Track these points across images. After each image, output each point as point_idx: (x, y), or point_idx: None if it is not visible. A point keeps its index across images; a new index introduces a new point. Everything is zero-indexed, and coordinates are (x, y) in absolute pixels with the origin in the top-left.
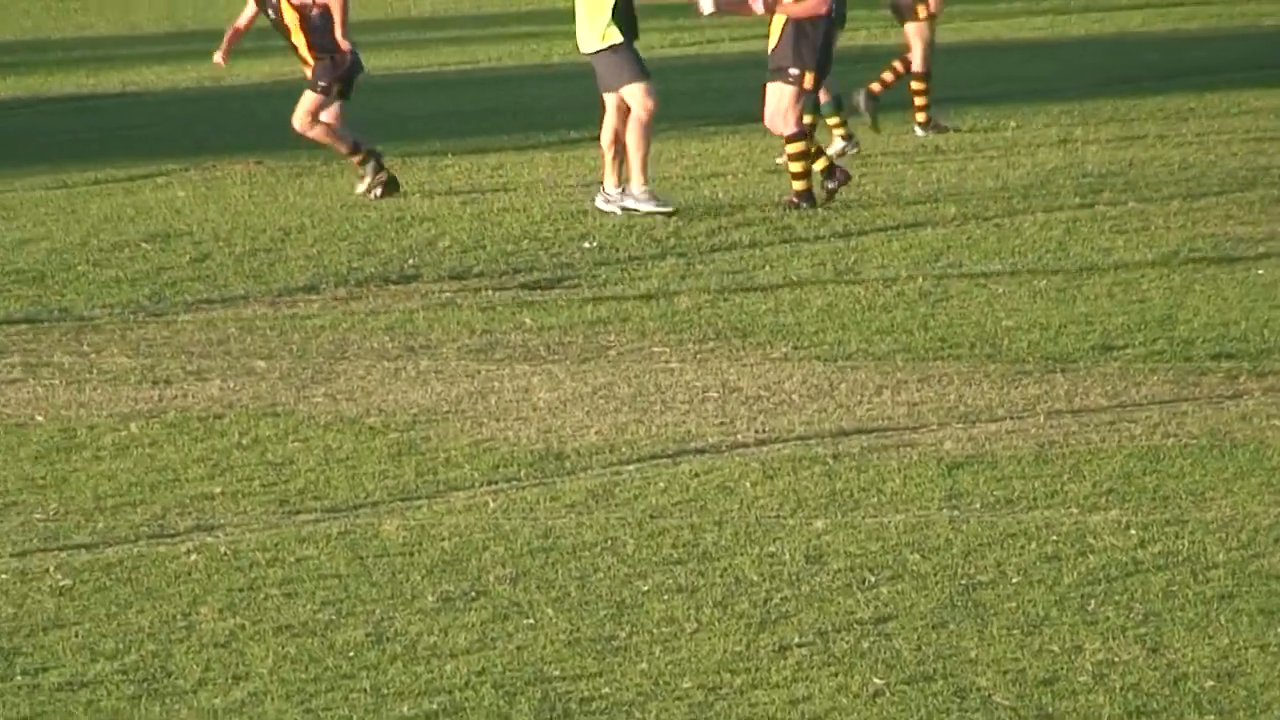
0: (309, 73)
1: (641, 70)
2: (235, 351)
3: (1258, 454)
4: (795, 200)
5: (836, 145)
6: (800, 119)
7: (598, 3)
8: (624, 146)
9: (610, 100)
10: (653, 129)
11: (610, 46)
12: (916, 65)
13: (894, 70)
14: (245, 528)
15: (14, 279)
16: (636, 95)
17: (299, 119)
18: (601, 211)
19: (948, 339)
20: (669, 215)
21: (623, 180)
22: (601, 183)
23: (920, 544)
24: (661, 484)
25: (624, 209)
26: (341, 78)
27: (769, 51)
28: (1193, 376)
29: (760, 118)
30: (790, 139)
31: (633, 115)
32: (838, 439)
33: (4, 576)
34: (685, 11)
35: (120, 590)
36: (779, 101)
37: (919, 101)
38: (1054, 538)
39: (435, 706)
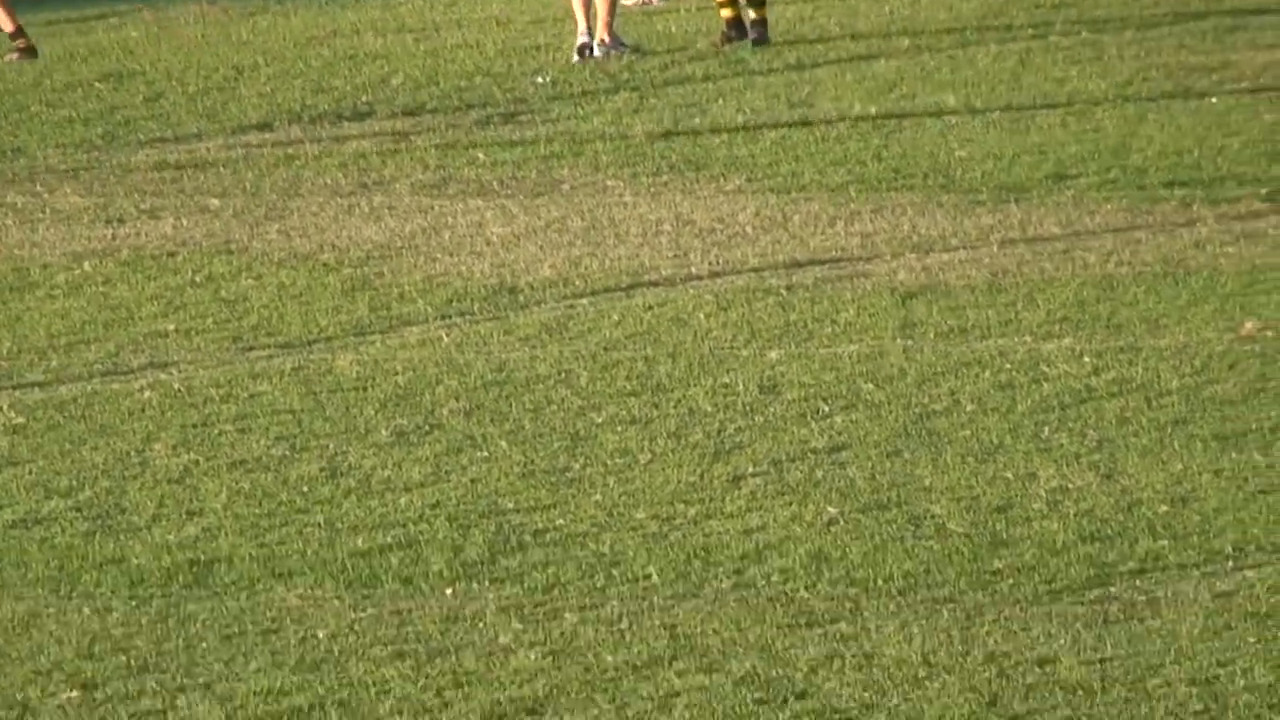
0: None
1: None
2: (189, 189)
3: (1211, 281)
4: (725, 33)
5: None
6: None
7: None
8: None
9: None
10: None
11: None
12: None
13: None
14: (199, 364)
15: None
16: None
17: None
18: (595, 60)
19: (901, 170)
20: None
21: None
22: (585, 38)
23: (874, 373)
24: (615, 317)
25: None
26: None
27: None
28: (1146, 204)
29: None
30: None
31: None
32: (792, 270)
33: None
34: None
35: (74, 427)
36: None
37: None
38: (1008, 366)
39: (389, 540)
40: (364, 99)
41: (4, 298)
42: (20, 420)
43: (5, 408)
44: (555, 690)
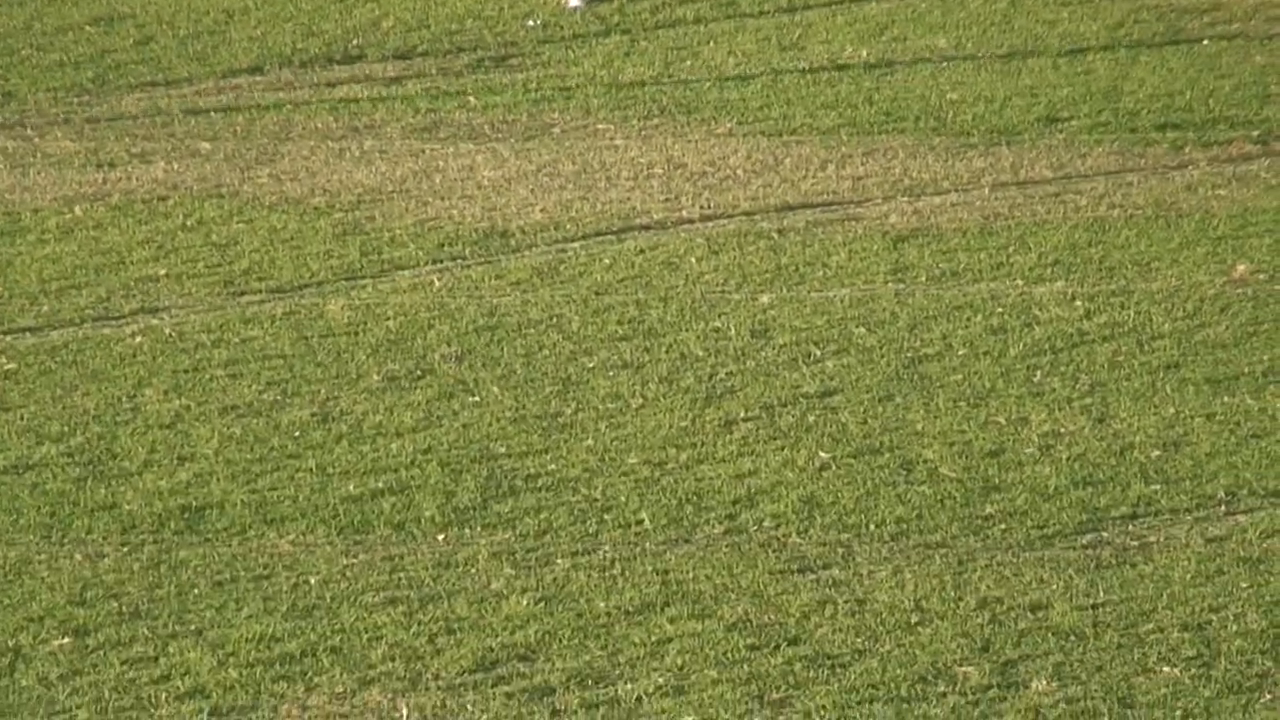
0: None
1: None
2: (179, 134)
3: (1203, 224)
4: None
5: None
6: None
7: None
8: None
9: None
10: None
11: None
12: None
13: None
14: (190, 309)
15: None
16: None
17: None
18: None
19: (893, 113)
20: None
21: None
22: None
23: (866, 317)
24: (607, 260)
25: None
26: None
27: None
28: (1138, 147)
29: None
30: None
31: None
32: (783, 214)
33: None
34: None
35: (65, 373)
36: None
37: None
38: (999, 309)
39: (381, 485)
40: (355, 43)
41: None
42: (11, 366)
43: None
44: (547, 636)
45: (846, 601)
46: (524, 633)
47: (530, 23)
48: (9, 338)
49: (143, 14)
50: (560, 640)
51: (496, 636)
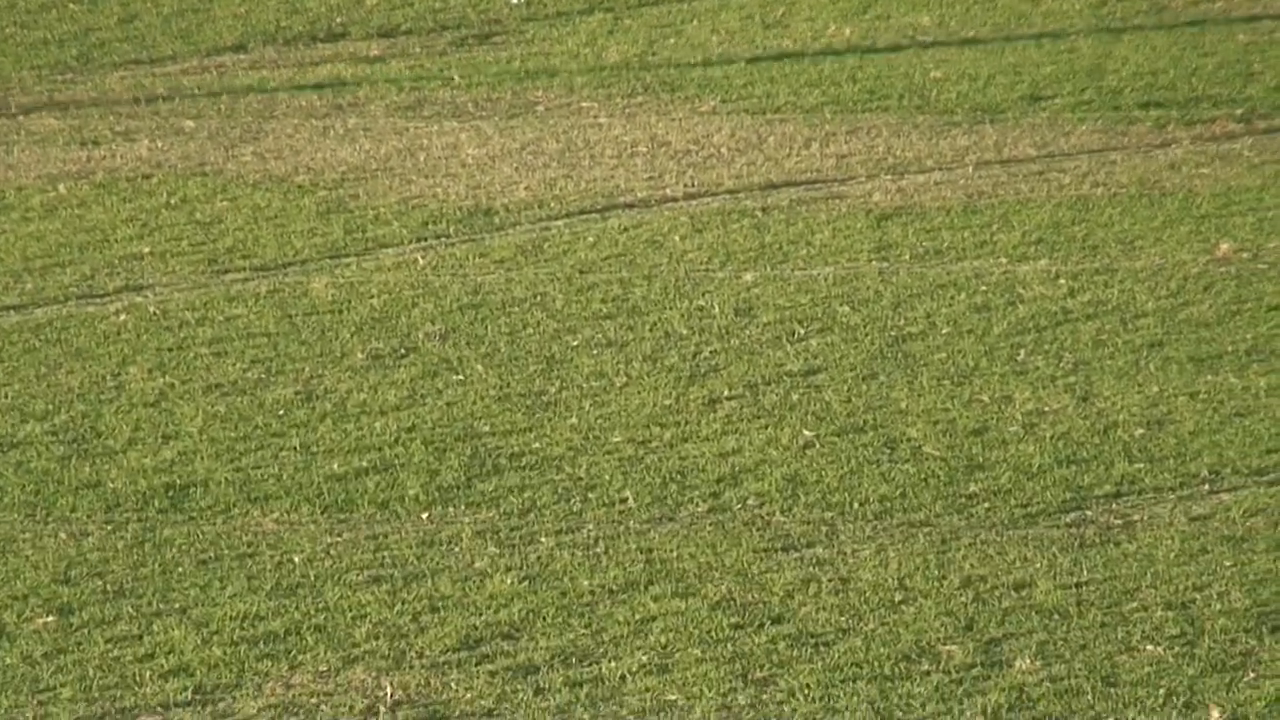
0: None
1: None
2: (163, 111)
3: (1186, 202)
4: None
5: None
6: None
7: None
8: None
9: None
10: None
11: None
12: None
13: None
14: (174, 287)
15: None
16: None
17: None
18: None
19: (876, 91)
20: None
21: None
22: None
23: (850, 295)
24: (590, 239)
25: None
26: None
27: None
28: (1121, 126)
29: None
30: None
31: None
32: (766, 192)
33: None
34: None
35: (49, 351)
36: None
37: None
38: (983, 288)
39: (365, 463)
40: (338, 20)
41: None
42: None
43: None
44: (531, 614)
45: (830, 580)
46: (508, 611)
47: (514, 0)
48: None
49: None
50: (544, 619)
51: (480, 615)
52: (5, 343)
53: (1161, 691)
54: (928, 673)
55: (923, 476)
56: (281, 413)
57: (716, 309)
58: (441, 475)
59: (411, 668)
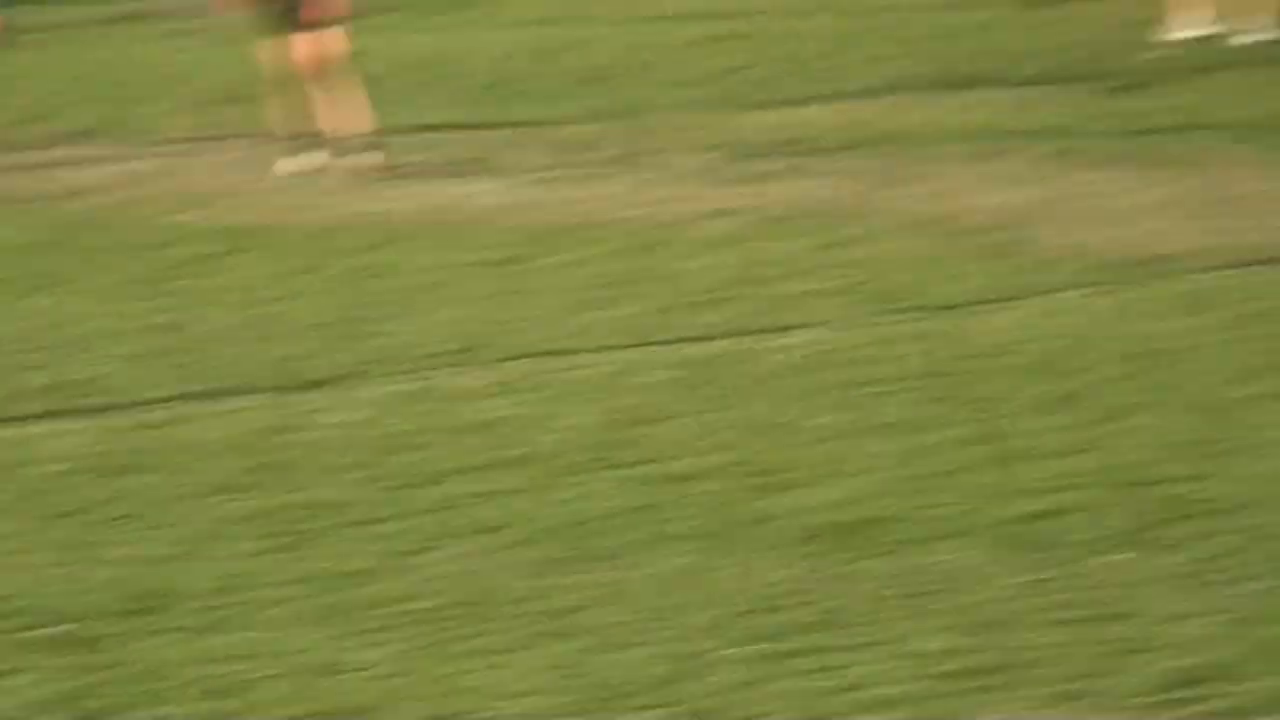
0: None
1: None
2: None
3: None
4: None
5: None
6: None
7: None
8: None
9: None
10: None
11: None
12: None
13: None
14: (843, 326)
15: None
16: None
17: None
18: None
19: None
20: None
21: None
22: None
23: None
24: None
25: None
26: None
27: None
28: None
29: None
30: None
31: None
32: None
33: None
34: None
35: (732, 382)
36: None
37: None
38: None
39: (1044, 506)
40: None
41: None
42: (682, 374)
43: None
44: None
45: None
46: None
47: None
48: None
49: None
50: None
51: (1180, 659)
52: (689, 373)
53: None
54: None
55: None
56: (954, 452)
57: None
58: (1115, 520)
59: (1119, 709)
